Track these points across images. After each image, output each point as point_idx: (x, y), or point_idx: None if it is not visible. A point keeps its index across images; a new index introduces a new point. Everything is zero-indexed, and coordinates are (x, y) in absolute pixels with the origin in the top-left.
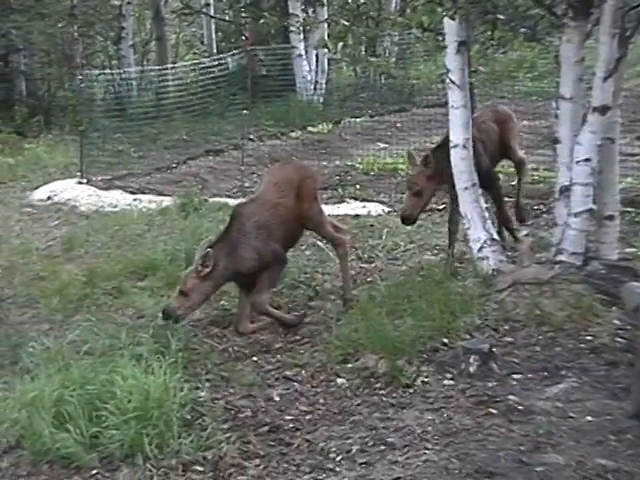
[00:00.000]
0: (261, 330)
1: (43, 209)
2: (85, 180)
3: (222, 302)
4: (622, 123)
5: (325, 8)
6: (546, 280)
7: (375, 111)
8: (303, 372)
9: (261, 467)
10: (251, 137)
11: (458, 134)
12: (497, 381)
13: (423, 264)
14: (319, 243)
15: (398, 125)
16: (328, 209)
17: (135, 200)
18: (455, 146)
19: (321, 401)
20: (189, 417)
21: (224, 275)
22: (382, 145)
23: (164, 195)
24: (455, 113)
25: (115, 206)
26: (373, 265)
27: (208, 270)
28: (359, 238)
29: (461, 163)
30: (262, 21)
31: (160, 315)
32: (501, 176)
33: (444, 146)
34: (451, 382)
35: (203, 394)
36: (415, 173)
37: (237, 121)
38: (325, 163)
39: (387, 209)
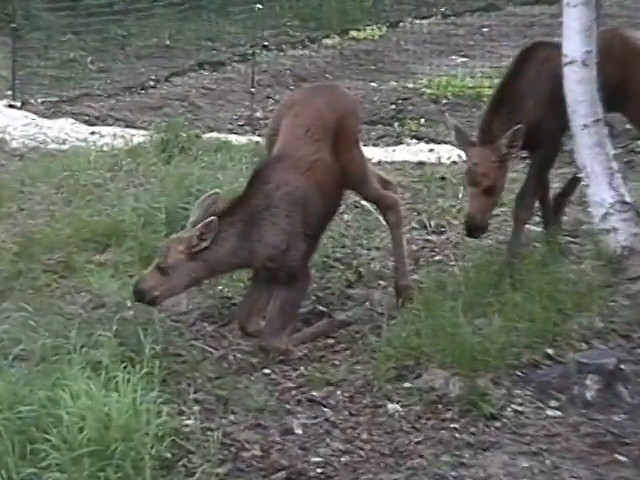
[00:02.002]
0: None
1: None
2: (19, 103)
3: (220, 287)
4: None
5: None
6: None
7: (450, 9)
8: (338, 393)
9: None
10: (266, 44)
11: (575, 45)
12: (627, 413)
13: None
14: (364, 203)
15: (484, 30)
16: (378, 154)
17: (93, 134)
18: (570, 63)
19: (364, 436)
20: (169, 455)
21: (227, 263)
22: (460, 59)
23: (136, 127)
24: (571, 14)
25: (63, 142)
26: (444, 237)
27: (204, 246)
28: (424, 197)
29: (579, 89)
30: None
31: (130, 298)
32: None
33: (512, 97)
34: (557, 413)
35: (190, 422)
36: (479, 161)
37: (245, 20)
38: (374, 85)
39: None
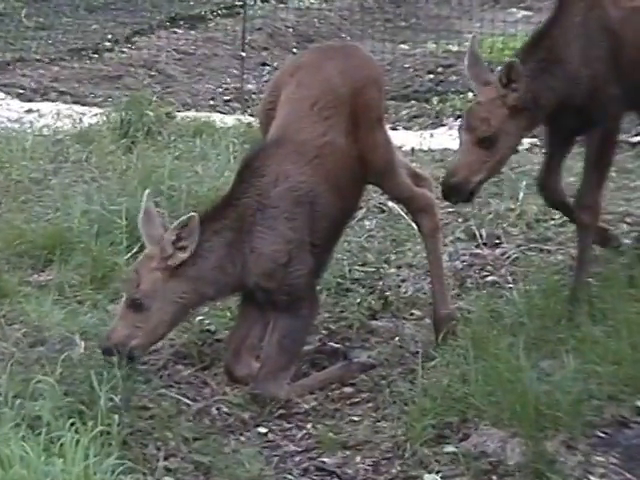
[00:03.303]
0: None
1: None
2: None
3: (200, 318)
4: None
5: None
6: None
7: None
8: (357, 459)
9: None
10: None
11: None
12: None
13: (598, 251)
14: (391, 205)
15: None
16: (410, 139)
17: (29, 112)
18: None
19: None
20: None
21: (215, 282)
22: (521, 13)
23: (87, 104)
24: None
25: None
26: (499, 252)
27: (184, 257)
28: None
29: None
30: None
31: (78, 332)
32: None
33: (550, 42)
34: None
35: None
36: (484, 100)
37: None
38: (405, 47)
39: (529, 140)
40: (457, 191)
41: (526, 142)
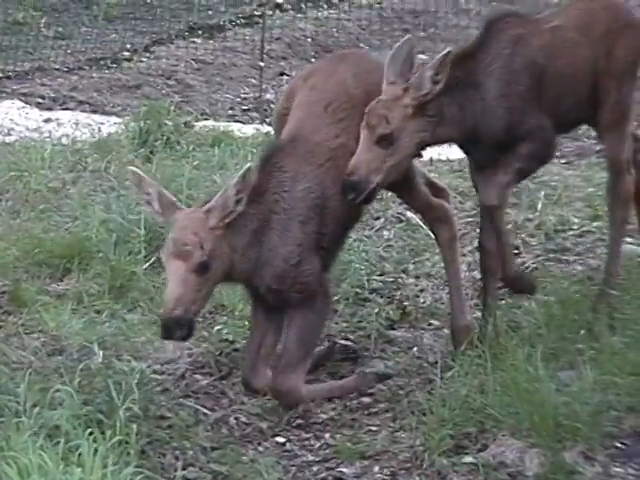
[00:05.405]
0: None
1: None
2: None
3: (218, 327)
4: None
5: None
6: None
7: None
8: (375, 469)
9: None
10: (279, 2)
11: None
12: None
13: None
14: (409, 214)
15: None
16: (427, 149)
17: (48, 121)
18: None
19: None
20: None
21: (235, 259)
22: None
23: (105, 113)
24: None
25: (8, 132)
26: (517, 261)
27: (239, 210)
28: None
29: None
30: None
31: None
32: None
33: (472, 64)
34: None
35: None
36: (386, 98)
37: None
38: (424, 57)
39: None
40: (356, 189)
41: None
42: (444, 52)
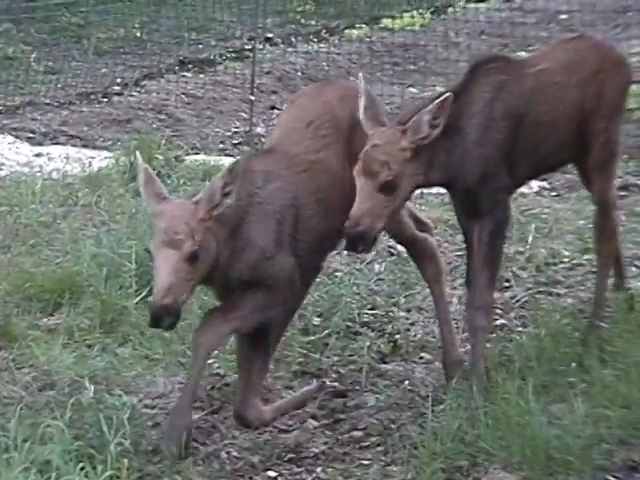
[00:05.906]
0: (283, 415)
1: None
2: None
3: (210, 361)
4: None
5: None
6: None
7: None
8: None
9: None
10: (269, 37)
11: None
12: None
13: (610, 295)
14: (400, 248)
15: (562, 18)
16: None
17: (38, 156)
18: None
19: None
20: None
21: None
22: None
23: (96, 148)
24: None
25: None
26: (508, 295)
27: (227, 203)
28: None
29: None
30: None
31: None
32: None
33: (455, 106)
34: None
35: None
36: (381, 144)
37: (241, 4)
38: (414, 91)
39: (538, 184)
40: (363, 239)
41: (535, 185)
42: (443, 96)
